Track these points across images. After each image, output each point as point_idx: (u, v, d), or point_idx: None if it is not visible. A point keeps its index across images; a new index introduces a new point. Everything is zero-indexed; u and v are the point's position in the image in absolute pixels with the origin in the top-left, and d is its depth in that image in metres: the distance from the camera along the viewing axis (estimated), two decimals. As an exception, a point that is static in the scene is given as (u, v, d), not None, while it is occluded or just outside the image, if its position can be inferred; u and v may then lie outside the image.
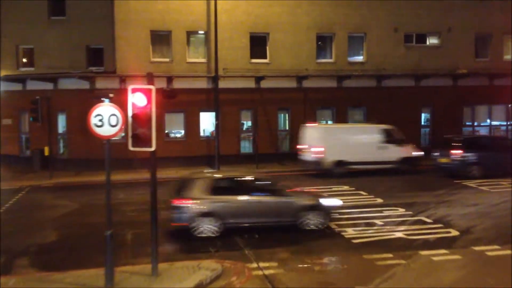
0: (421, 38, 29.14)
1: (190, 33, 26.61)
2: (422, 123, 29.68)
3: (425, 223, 13.69)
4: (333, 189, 19.17)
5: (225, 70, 26.20)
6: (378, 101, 28.14)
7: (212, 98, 24.86)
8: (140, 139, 9.16)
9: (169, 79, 25.79)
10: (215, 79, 24.57)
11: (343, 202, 16.39)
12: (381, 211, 15.05)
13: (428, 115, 29.83)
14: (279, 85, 27.21)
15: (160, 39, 26.33)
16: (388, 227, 13.27)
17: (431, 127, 29.58)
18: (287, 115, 28.11)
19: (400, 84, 28.50)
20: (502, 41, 29.85)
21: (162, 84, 25.46)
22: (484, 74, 29.13)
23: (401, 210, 15.16)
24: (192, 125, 26.71)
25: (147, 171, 23.02)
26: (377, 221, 13.81)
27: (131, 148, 9.30)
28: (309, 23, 27.42)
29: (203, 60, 26.66)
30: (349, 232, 12.79)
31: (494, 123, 30.42)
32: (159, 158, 25.71)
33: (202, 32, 26.65)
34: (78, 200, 18.20)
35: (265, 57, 27.35)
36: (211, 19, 25.17)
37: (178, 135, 27.17)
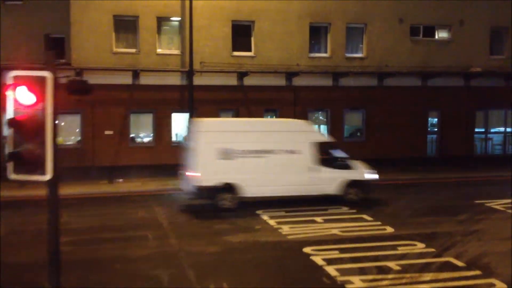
0: (429, 31, 26.04)
1: (161, 20, 23.16)
2: (429, 129, 26.51)
3: (455, 267, 10.33)
4: (329, 210, 15.79)
5: (202, 64, 22.88)
6: (379, 103, 25.12)
7: (187, 97, 21.47)
8: (26, 161, 5.61)
9: (135, 74, 22.35)
10: (189, 74, 21.21)
11: (343, 231, 13.13)
12: (394, 247, 11.66)
13: (435, 120, 26.69)
14: (266, 83, 23.92)
15: (125, 25, 22.87)
16: (408, 275, 9.86)
17: (438, 134, 26.43)
18: (274, 117, 24.74)
19: (404, 83, 25.43)
20: (520, 36, 26.81)
21: (127, 79, 22.06)
22: (500, 74, 26.08)
23: (420, 246, 11.78)
24: (162, 128, 23.24)
25: (108, 182, 19.68)
26: (392, 265, 10.41)
27: (11, 177, 5.76)
28: (301, 10, 24.14)
29: (176, 51, 23.23)
30: (357, 284, 9.37)
31: (509, 129, 27.37)
32: (122, 167, 22.52)
33: (176, 18, 23.24)
34: (10, 222, 14.44)
35: (249, 50, 24.02)
36: (186, 4, 21.85)
37: (146, 140, 23.66)
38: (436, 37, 26.18)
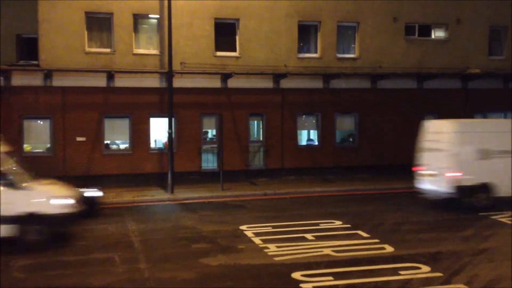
0: (425, 30, 24.84)
1: (138, 17, 21.74)
2: (425, 134, 25.26)
3: (468, 297, 8.98)
4: (321, 225, 14.41)
5: (183, 65, 21.55)
6: (373, 106, 23.91)
7: (166, 100, 20.08)
8: None
9: (110, 75, 20.88)
10: (169, 75, 19.82)
11: (337, 251, 11.71)
12: (395, 271, 10.26)
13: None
14: (251, 85, 22.59)
15: (99, 23, 21.41)
16: (414, 308, 8.48)
17: (435, 139, 25.18)
18: (260, 122, 23.37)
19: (399, 85, 24.23)
20: (520, 35, 25.72)
21: (100, 81, 20.66)
22: (499, 75, 24.94)
23: (425, 269, 10.38)
24: (140, 134, 21.77)
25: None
26: (395, 294, 9.02)
27: None
28: (289, 8, 22.85)
29: (155, 51, 21.82)
30: (355, 321, 7.97)
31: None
32: (96, 176, 20.93)
33: (154, 16, 21.85)
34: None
35: (233, 50, 22.65)
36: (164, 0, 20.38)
37: (122, 147, 22.15)
38: (432, 36, 24.99)
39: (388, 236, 13.11)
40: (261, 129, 23.51)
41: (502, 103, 25.25)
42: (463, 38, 24.81)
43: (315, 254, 11.56)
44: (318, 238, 12.93)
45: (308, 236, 13.14)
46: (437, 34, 25.02)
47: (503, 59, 25.46)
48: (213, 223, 14.94)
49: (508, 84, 25.51)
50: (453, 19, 24.69)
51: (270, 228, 14.11)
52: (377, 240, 12.70)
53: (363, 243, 12.50)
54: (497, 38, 25.64)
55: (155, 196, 19.58)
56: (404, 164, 23.91)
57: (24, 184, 12.05)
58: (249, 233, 13.48)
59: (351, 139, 24.51)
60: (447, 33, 24.90)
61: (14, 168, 12.42)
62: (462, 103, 24.86)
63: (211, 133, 23.41)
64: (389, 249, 11.92)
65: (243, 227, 14.13)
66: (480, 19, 24.97)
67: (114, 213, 16.87)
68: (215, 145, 22.54)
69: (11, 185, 11.80)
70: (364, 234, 13.34)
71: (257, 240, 12.76)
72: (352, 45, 24.16)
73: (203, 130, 23.00)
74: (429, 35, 24.91)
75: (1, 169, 11.77)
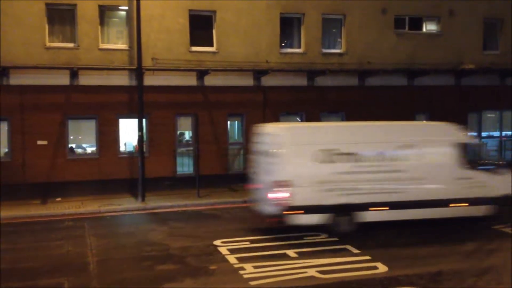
0: (416, 23, 23.58)
1: (104, 8, 20.18)
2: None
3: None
4: (305, 239, 13.01)
5: (155, 61, 20.14)
6: (361, 105, 22.62)
7: (136, 99, 18.59)
8: None
9: (74, 72, 19.31)
10: (138, 72, 18.38)
11: (323, 271, 10.33)
12: (391, 298, 8.90)
13: (423, 123, 24.31)
14: (230, 83, 21.15)
15: (61, 15, 19.78)
16: None
17: (427, 139, 23.95)
18: (240, 122, 21.94)
19: (388, 82, 22.93)
20: (516, 28, 24.58)
21: (63, 79, 19.14)
22: (494, 71, 23.77)
23: (426, 295, 9.05)
24: (107, 136, 20.21)
25: (41, 203, 16.43)
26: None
27: None
28: (270, -1, 21.43)
29: (123, 46, 20.29)
30: None
31: (506, 133, 25.14)
32: (60, 183, 19.33)
33: (122, 7, 20.30)
34: None
35: (210, 45, 21.19)
36: (133, -11, 18.93)
37: (88, 151, 20.57)
38: (424, 29, 23.72)
39: (380, 251, 11.77)
40: (241, 131, 22.10)
41: (498, 101, 24.17)
42: (456, 32, 23.60)
43: (297, 276, 10.16)
44: (301, 255, 11.55)
45: (290, 252, 11.76)
46: (429, 27, 23.77)
47: (499, 53, 24.30)
48: (184, 238, 13.48)
49: (505, 80, 24.36)
50: (445, 11, 23.47)
51: (247, 243, 12.71)
52: (368, 257, 11.33)
53: (353, 261, 11.12)
54: (491, 31, 24.48)
55: (124, 205, 18.07)
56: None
57: None
58: (223, 250, 12.05)
59: (337, 140, 23.14)
60: (439, 26, 23.66)
61: None
62: (455, 101, 23.68)
63: (188, 135, 21.96)
64: (382, 268, 10.55)
65: (217, 242, 12.71)
66: (474, 11, 23.79)
67: (76, 225, 15.39)
68: (191, 148, 21.07)
69: None
70: (354, 250, 11.98)
71: (232, 259, 11.33)
72: (338, 40, 22.82)
73: (178, 131, 21.54)
74: (420, 28, 23.65)
75: None
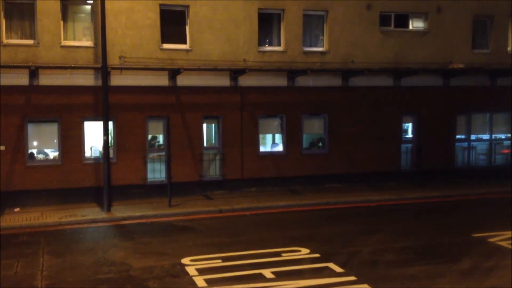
0: (402, 20, 22.59)
1: (66, 3, 18.86)
2: (403, 137, 23.08)
3: None
4: (284, 256, 11.91)
5: (123, 59, 18.94)
6: (344, 106, 21.73)
7: (102, 101, 17.35)
8: None
9: (33, 72, 17.97)
10: (103, 71, 17.16)
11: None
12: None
13: (410, 126, 23.33)
14: (205, 83, 19.99)
15: (19, 10, 18.41)
16: None
17: (414, 142, 23.04)
18: (216, 125, 20.81)
19: (374, 83, 21.94)
20: (507, 26, 23.68)
21: (22, 79, 17.87)
22: (484, 71, 22.91)
23: (418, 326, 7.98)
24: (71, 141, 18.90)
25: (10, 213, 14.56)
26: None
27: None
28: (248, -7, 20.33)
29: (88, 43, 18.98)
30: None
31: (496, 135, 24.36)
32: (18, 192, 17.77)
33: (87, 1, 19.01)
34: None
35: (183, 42, 19.98)
36: (98, -19, 17.68)
37: (50, 157, 19.23)
38: (410, 27, 22.73)
39: (367, 270, 10.72)
40: (217, 134, 20.92)
41: (488, 102, 23.37)
42: (445, 29, 22.69)
43: (273, 303, 9.06)
44: (279, 276, 10.44)
45: (267, 272, 10.64)
46: (416, 24, 22.81)
47: (489, 52, 23.43)
48: (149, 255, 12.27)
49: (495, 81, 23.52)
50: (433, 7, 22.52)
51: (219, 261, 11.57)
52: (353, 278, 10.26)
53: (336, 283, 10.04)
54: (481, 28, 23.59)
55: (88, 215, 16.79)
56: (380, 171, 22.00)
57: None
58: (191, 270, 10.89)
59: (320, 144, 22.12)
60: (426, 23, 22.71)
61: None
62: (444, 102, 22.82)
63: (161, 139, 20.73)
64: (369, 292, 9.50)
65: (185, 261, 11.56)
66: (463, 8, 22.86)
67: (31, 241, 14.08)
68: (163, 153, 19.86)
69: None
70: (337, 269, 10.89)
71: (200, 281, 10.19)
72: (321, 37, 21.76)
73: (150, 135, 20.30)
74: (407, 25, 22.66)
75: None
